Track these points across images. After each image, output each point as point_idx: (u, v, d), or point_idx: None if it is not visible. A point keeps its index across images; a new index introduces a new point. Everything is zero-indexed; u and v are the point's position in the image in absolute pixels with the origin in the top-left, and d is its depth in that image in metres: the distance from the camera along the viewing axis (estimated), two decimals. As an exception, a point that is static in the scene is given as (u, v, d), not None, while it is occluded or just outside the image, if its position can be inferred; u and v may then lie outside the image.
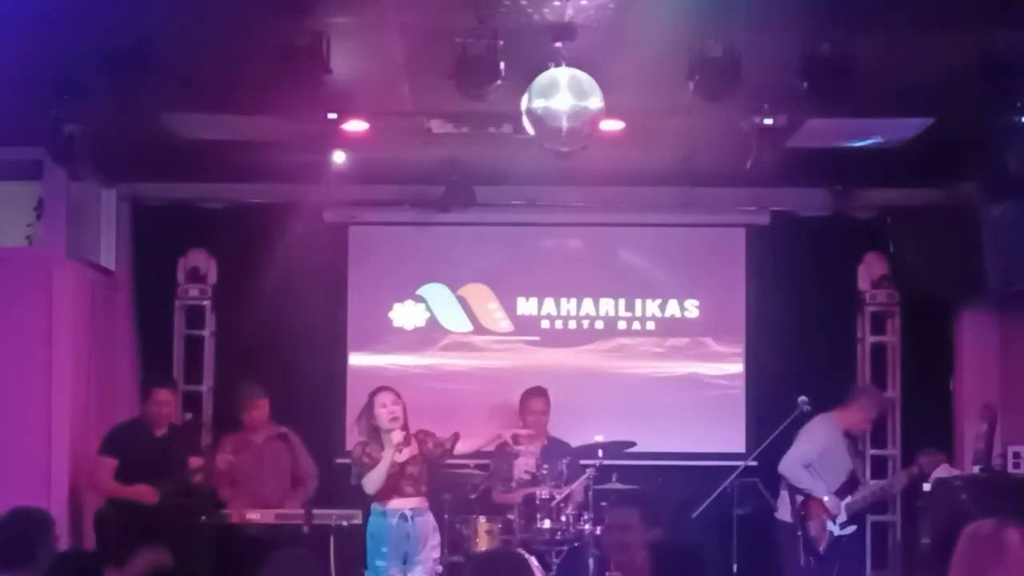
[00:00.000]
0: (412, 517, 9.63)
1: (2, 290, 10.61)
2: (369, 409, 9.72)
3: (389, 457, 9.55)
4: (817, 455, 10.38)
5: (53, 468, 10.62)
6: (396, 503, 9.63)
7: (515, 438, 10.90)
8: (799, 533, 10.29)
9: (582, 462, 10.81)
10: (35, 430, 10.52)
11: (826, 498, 10.29)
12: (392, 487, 9.61)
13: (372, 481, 9.57)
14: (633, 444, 10.98)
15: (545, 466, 10.77)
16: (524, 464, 10.90)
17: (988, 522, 5.53)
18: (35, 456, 10.52)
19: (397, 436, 9.54)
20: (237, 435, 11.02)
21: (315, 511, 10.16)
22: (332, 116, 9.19)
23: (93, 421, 10.94)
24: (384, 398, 9.70)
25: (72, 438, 10.75)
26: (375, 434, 9.66)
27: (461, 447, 9.94)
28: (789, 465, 10.41)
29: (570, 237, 12.60)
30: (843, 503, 10.34)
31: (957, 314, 12.05)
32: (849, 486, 10.43)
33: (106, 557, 10.18)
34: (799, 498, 10.38)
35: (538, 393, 11.28)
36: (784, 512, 10.46)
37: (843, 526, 10.35)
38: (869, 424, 10.73)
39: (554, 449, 11.06)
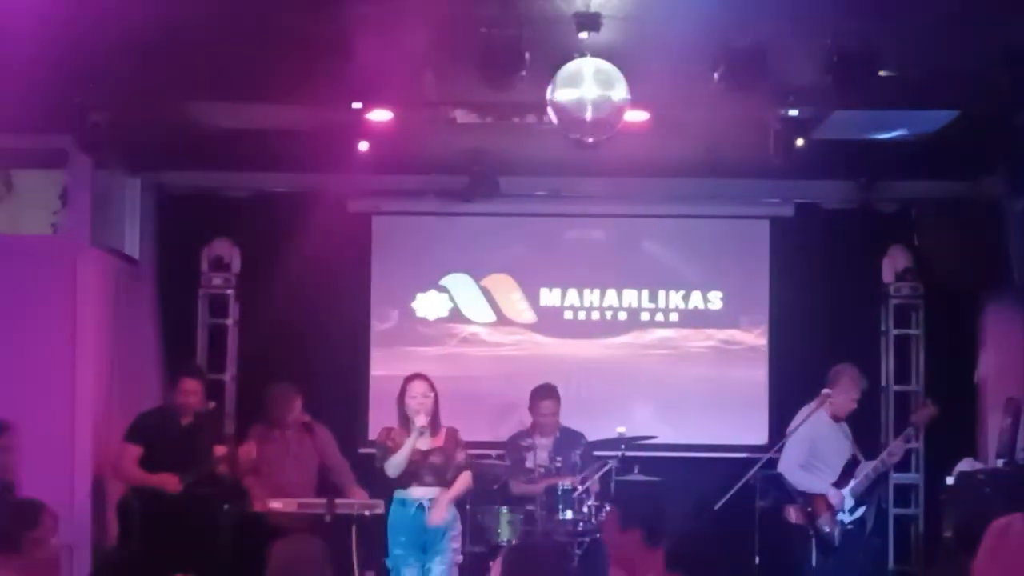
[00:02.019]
0: (430, 508, 9.63)
1: (27, 278, 10.62)
2: (401, 395, 9.75)
3: (411, 444, 9.57)
4: (808, 452, 10.31)
5: (77, 455, 10.64)
6: (416, 492, 9.64)
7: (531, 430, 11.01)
8: (811, 533, 10.25)
9: (605, 454, 10.79)
10: (59, 417, 10.54)
11: (828, 493, 10.24)
12: (412, 474, 9.62)
13: (393, 465, 9.59)
14: (653, 438, 10.98)
15: (558, 459, 10.80)
16: (537, 458, 10.91)
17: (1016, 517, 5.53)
18: (59, 443, 10.53)
19: (420, 421, 9.56)
20: (263, 425, 11.02)
21: (338, 500, 10.18)
22: (356, 106, 9.19)
23: (116, 409, 10.97)
24: (415, 387, 9.70)
25: (95, 425, 10.77)
26: (404, 420, 9.68)
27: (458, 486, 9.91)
28: (785, 470, 10.37)
29: (594, 228, 12.59)
30: (846, 490, 10.28)
31: (981, 307, 12.01)
32: (851, 469, 10.36)
33: (130, 546, 10.33)
34: (803, 498, 10.33)
35: (547, 395, 11.15)
36: (794, 516, 10.40)
37: (852, 511, 10.30)
38: (855, 404, 10.62)
39: (566, 441, 11.05)
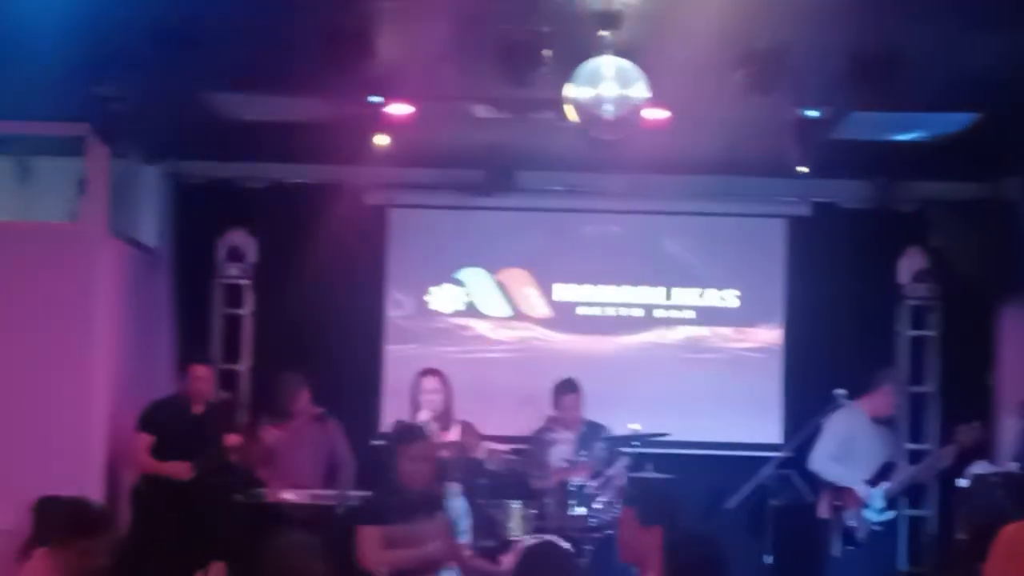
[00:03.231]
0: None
1: (44, 266, 10.62)
2: (413, 389, 9.77)
3: None
4: (840, 446, 10.37)
5: (91, 443, 10.65)
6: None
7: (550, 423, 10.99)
8: (835, 525, 10.29)
9: (619, 450, 10.79)
10: (74, 405, 10.54)
11: (857, 487, 10.27)
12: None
13: None
14: (666, 435, 10.97)
15: (583, 452, 10.78)
16: (561, 452, 10.91)
17: None
18: (73, 431, 10.53)
19: (424, 416, 9.58)
20: (272, 416, 11.02)
21: (350, 493, 10.19)
22: (376, 99, 9.19)
23: (131, 397, 10.96)
24: (427, 383, 9.74)
25: (110, 414, 10.78)
26: (416, 415, 9.72)
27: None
28: (815, 460, 10.42)
29: (610, 224, 12.57)
30: (879, 489, 10.30)
31: (998, 309, 11.97)
32: (885, 472, 10.39)
33: (142, 534, 10.35)
34: (833, 491, 10.38)
35: (569, 389, 11.15)
36: (824, 510, 10.46)
37: (881, 511, 10.33)
38: (894, 408, 10.70)
39: (591, 434, 11.04)
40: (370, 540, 7.83)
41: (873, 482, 10.30)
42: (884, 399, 10.54)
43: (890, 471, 10.40)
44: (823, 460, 10.36)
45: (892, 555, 11.18)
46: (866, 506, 10.25)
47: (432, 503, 7.87)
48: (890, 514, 10.37)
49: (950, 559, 11.14)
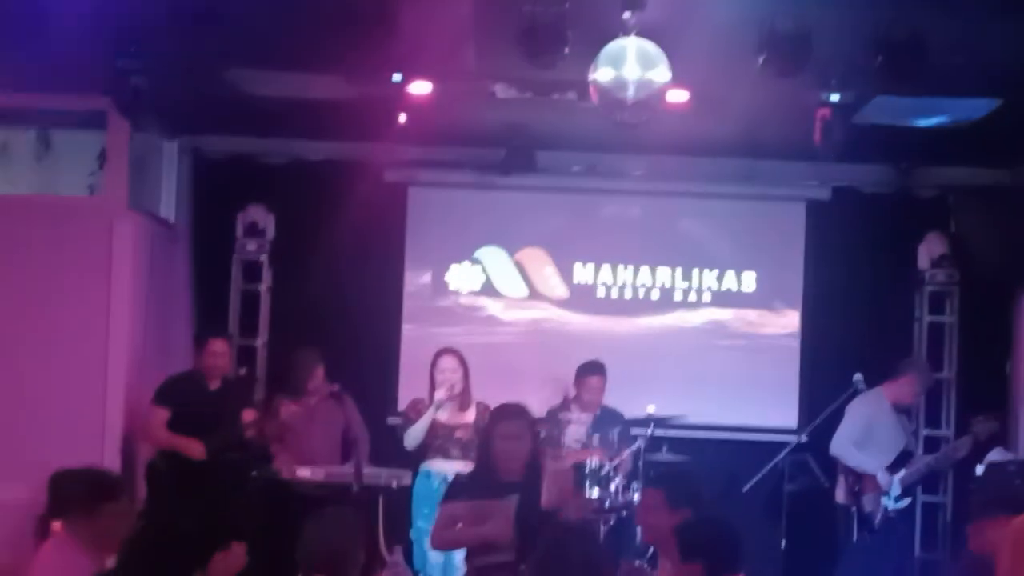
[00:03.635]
0: None
1: (63, 239, 10.66)
2: (431, 368, 9.77)
3: (429, 416, 9.62)
4: (862, 431, 10.37)
5: (108, 417, 10.69)
6: (440, 465, 9.66)
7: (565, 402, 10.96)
8: (854, 510, 10.30)
9: (634, 432, 10.78)
10: (91, 379, 10.59)
11: (878, 474, 10.28)
12: (438, 448, 9.65)
13: (409, 436, 9.68)
14: (682, 417, 10.94)
15: (596, 436, 10.76)
16: (575, 433, 10.87)
17: None
18: (90, 404, 10.59)
19: (439, 394, 9.58)
20: (287, 394, 11.02)
21: (365, 471, 10.19)
22: (397, 77, 9.17)
23: (148, 371, 10.99)
24: (444, 362, 9.73)
25: (127, 388, 10.81)
26: (432, 394, 9.74)
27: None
28: (837, 444, 10.43)
29: (629, 205, 12.55)
30: (897, 477, 10.31)
31: (1017, 296, 11.93)
32: (903, 460, 10.40)
33: (157, 509, 10.37)
34: (853, 476, 10.38)
35: (595, 371, 11.07)
36: (841, 495, 10.46)
37: (898, 499, 10.34)
38: (916, 397, 10.71)
39: (606, 419, 11.00)
40: (440, 519, 7.65)
41: (892, 469, 10.30)
42: (907, 387, 10.55)
43: (906, 459, 10.40)
44: (845, 445, 10.37)
45: (907, 541, 11.18)
46: (885, 493, 10.26)
47: (513, 485, 7.54)
48: (906, 501, 10.37)
49: (965, 546, 11.15)
